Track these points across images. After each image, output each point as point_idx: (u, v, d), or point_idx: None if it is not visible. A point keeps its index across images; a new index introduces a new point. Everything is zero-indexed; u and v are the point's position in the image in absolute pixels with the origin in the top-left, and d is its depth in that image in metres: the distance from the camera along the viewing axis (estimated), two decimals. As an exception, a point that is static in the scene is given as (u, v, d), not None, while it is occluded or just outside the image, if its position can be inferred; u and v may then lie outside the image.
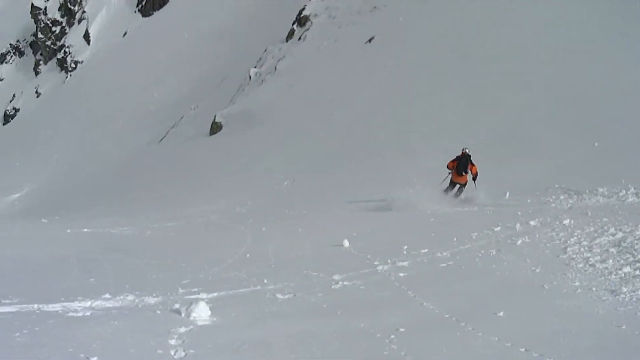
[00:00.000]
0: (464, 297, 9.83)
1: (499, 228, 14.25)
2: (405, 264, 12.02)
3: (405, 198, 19.58)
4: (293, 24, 51.86)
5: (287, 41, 51.36)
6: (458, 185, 20.39)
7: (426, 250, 12.81)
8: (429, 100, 30.75)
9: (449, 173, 20.56)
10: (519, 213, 15.26)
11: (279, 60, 48.03)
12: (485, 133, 25.26)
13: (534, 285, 10.04)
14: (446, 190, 20.59)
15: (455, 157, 20.33)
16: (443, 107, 29.34)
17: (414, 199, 19.37)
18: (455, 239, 13.57)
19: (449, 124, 27.20)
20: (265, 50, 52.74)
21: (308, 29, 48.76)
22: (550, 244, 12.25)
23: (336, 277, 11.55)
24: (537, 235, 13.02)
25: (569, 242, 12.07)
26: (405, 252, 12.77)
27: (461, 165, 20.00)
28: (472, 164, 19.89)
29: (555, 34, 30.22)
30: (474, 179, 20.04)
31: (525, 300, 9.44)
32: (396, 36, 39.03)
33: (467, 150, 20.27)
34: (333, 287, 11.03)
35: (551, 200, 16.41)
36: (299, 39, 49.21)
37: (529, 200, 16.97)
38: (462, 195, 20.18)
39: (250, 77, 50.48)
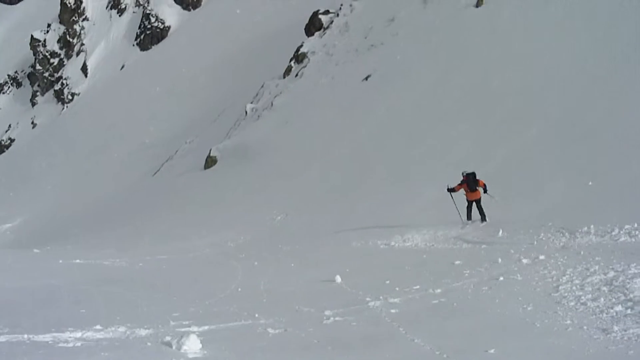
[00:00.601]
0: (455, 334, 9.82)
1: (491, 265, 14.23)
2: (397, 300, 12.01)
3: (401, 234, 19.66)
4: (290, 61, 52.15)
5: (284, 77, 51.59)
6: (474, 203, 21.22)
7: (418, 286, 12.78)
8: (430, 137, 30.74)
9: (461, 193, 21.53)
10: (512, 251, 15.25)
11: (275, 96, 48.21)
12: (486, 170, 25.29)
13: (525, 323, 10.03)
14: (469, 217, 21.28)
15: (460, 182, 21.32)
16: (445, 144, 29.31)
17: (409, 235, 19.43)
18: (447, 276, 13.55)
19: (451, 161, 27.11)
20: (262, 85, 52.97)
21: (305, 66, 49.03)
22: (542, 282, 12.23)
23: (327, 312, 11.55)
24: (529, 273, 13.00)
25: (560, 280, 12.04)
26: (397, 289, 12.74)
27: (470, 182, 21.05)
28: (478, 179, 21.08)
29: (562, 70, 30.19)
30: (485, 191, 21.17)
31: (517, 338, 9.44)
32: (394, 74, 39.21)
33: (465, 172, 21.32)
34: (324, 322, 11.02)
35: (544, 238, 16.39)
36: (296, 75, 49.47)
37: (522, 238, 16.96)
38: (485, 212, 20.88)
39: (246, 112, 50.61)
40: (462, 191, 21.55)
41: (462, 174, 21.44)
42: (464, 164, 24.96)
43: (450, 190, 21.67)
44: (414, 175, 27.57)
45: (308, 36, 53.29)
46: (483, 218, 20.84)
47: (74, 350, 9.37)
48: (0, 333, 10.07)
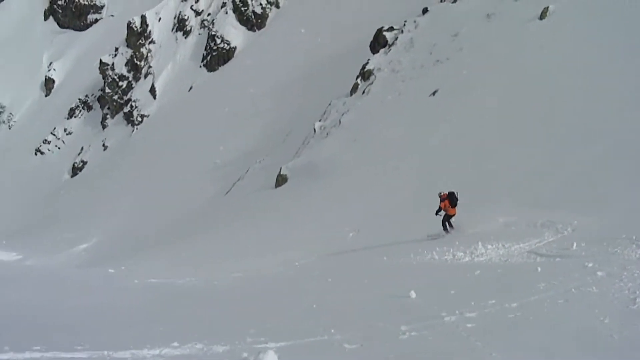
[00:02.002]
0: (533, 348, 9.78)
1: (566, 278, 14.07)
2: (473, 314, 11.96)
3: (474, 249, 19.65)
4: (357, 78, 52.37)
5: (351, 95, 51.83)
6: (452, 218, 24.57)
7: (494, 301, 12.73)
8: (495, 153, 30.53)
9: (441, 212, 24.93)
10: (587, 263, 15.08)
11: (343, 114, 48.44)
12: (554, 185, 25.05)
13: (603, 336, 9.90)
14: (448, 230, 24.55)
15: (442, 199, 24.61)
16: (512, 160, 29.01)
17: (483, 250, 19.40)
18: (522, 290, 13.50)
19: (519, 177, 26.92)
20: (330, 104, 53.26)
21: (372, 83, 49.18)
22: (619, 294, 12.06)
23: (403, 327, 11.53)
24: (605, 286, 12.81)
25: (637, 292, 11.88)
26: (472, 303, 12.72)
27: (452, 200, 24.32)
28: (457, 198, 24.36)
29: (630, 84, 29.59)
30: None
31: (595, 351, 9.37)
32: (460, 89, 39.06)
33: (441, 192, 24.66)
34: (400, 337, 11.01)
35: (618, 250, 16.18)
36: (363, 92, 49.64)
37: (596, 251, 16.78)
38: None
39: (315, 130, 50.95)
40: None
41: (439, 194, 24.73)
42: (532, 179, 24.88)
43: (437, 212, 24.95)
44: (480, 190, 27.42)
45: (373, 53, 53.51)
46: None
47: None
48: (82, 349, 10.33)
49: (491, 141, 31.88)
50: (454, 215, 24.56)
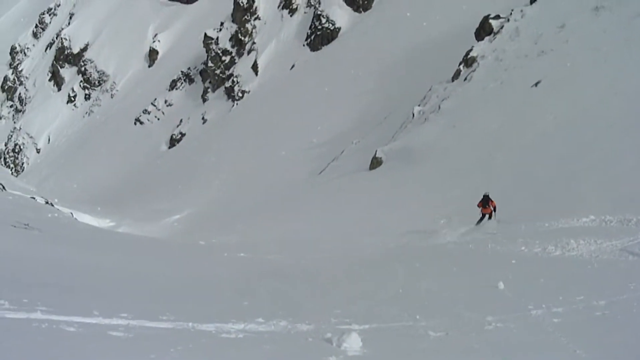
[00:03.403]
0: (618, 348, 9.64)
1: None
2: (559, 309, 11.83)
3: (565, 243, 19.36)
4: (460, 65, 51.85)
5: (452, 81, 51.39)
6: (487, 216, 27.05)
7: (582, 297, 12.54)
8: (596, 146, 29.85)
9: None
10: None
11: (443, 100, 48.06)
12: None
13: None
14: (477, 223, 27.19)
15: (480, 201, 27.14)
16: (611, 155, 28.27)
17: (574, 245, 19.10)
18: (612, 288, 13.27)
19: (616, 172, 26.20)
20: (430, 89, 52.94)
21: (474, 70, 48.61)
22: None
23: (489, 318, 11.52)
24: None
25: None
26: (560, 298, 12.59)
27: (484, 201, 26.89)
28: (492, 200, 26.81)
29: None
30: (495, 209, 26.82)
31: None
32: (563, 81, 38.22)
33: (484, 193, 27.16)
34: (486, 327, 10.99)
35: None
36: (465, 79, 49.13)
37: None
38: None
39: (413, 115, 50.73)
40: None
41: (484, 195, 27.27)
42: (629, 175, 24.29)
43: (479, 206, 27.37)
44: (575, 184, 26.88)
45: (478, 40, 52.80)
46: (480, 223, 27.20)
47: (237, 342, 9.70)
48: (167, 319, 10.48)
49: (591, 135, 31.14)
50: (488, 214, 27.10)
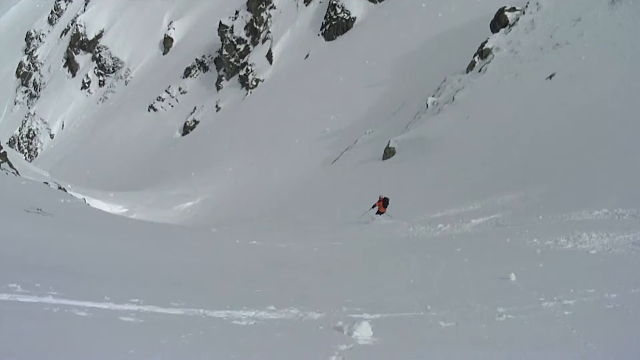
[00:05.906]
0: (630, 341, 9.60)
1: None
2: (571, 302, 11.76)
3: (578, 236, 19.28)
4: (474, 56, 51.73)
5: (467, 72, 51.31)
6: (383, 214, 32.12)
7: (593, 290, 12.48)
8: (609, 141, 29.68)
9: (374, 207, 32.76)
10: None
11: (457, 91, 48.01)
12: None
13: None
14: (375, 218, 32.04)
15: (378, 201, 32.61)
16: (624, 149, 28.14)
17: (586, 238, 19.01)
18: (624, 282, 13.21)
19: (630, 167, 26.07)
20: (445, 80, 52.86)
21: (489, 62, 48.50)
22: None
23: (500, 309, 11.45)
24: None
25: None
26: (572, 291, 12.55)
27: (385, 203, 32.35)
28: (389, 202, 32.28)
29: None
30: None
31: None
32: (578, 75, 38.04)
33: (381, 196, 32.57)
34: (497, 319, 10.93)
35: None
36: (479, 71, 49.03)
37: None
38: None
39: (427, 105, 50.73)
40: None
41: (380, 197, 32.59)
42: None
43: (373, 207, 32.69)
44: (588, 178, 26.76)
45: (493, 32, 52.65)
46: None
47: (248, 329, 9.70)
48: (178, 306, 10.51)
49: (605, 129, 30.99)
50: (382, 212, 32.33)
